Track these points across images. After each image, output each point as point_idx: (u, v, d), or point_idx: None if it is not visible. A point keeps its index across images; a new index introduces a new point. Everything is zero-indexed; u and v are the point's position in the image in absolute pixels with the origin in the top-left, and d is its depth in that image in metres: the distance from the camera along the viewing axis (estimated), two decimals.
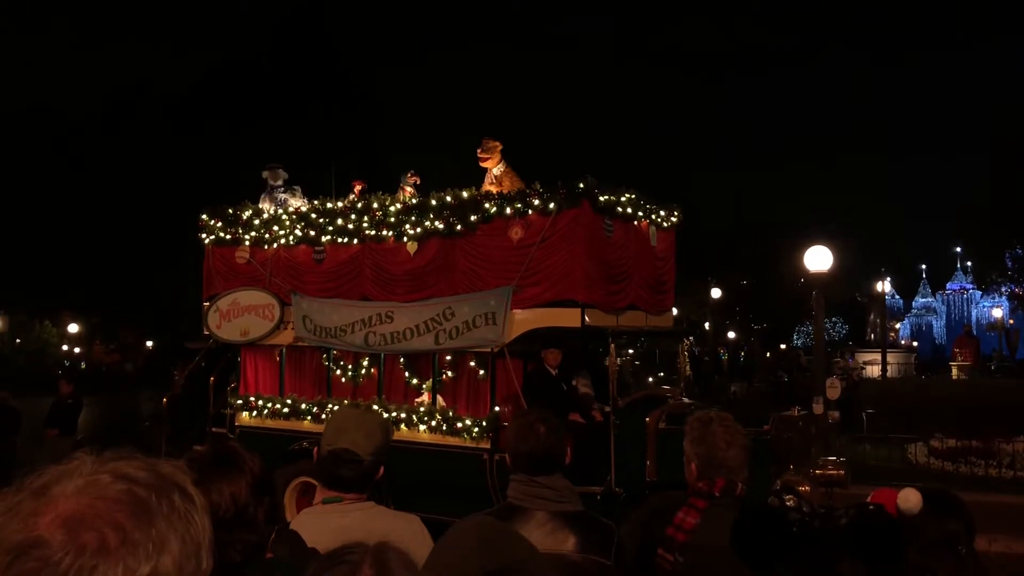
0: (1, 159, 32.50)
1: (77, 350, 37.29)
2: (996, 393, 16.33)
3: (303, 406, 8.68)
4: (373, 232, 8.39)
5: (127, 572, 0.82)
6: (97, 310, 35.31)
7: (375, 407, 7.65)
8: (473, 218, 7.80)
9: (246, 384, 9.30)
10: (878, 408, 14.46)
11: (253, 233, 9.24)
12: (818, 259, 12.27)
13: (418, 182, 9.04)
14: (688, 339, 10.14)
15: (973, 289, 55.54)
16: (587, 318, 7.34)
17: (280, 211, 9.18)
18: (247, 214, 9.35)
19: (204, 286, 9.66)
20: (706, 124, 73.95)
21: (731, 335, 39.57)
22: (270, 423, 8.85)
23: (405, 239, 8.19)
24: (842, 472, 7.02)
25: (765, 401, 18.58)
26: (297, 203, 9.28)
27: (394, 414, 7.95)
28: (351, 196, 9.20)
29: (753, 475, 2.78)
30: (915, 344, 47.92)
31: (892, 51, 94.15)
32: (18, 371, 26.85)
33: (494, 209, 7.71)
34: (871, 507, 2.24)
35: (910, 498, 2.23)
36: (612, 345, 7.39)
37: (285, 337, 8.94)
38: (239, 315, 9.16)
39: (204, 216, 9.63)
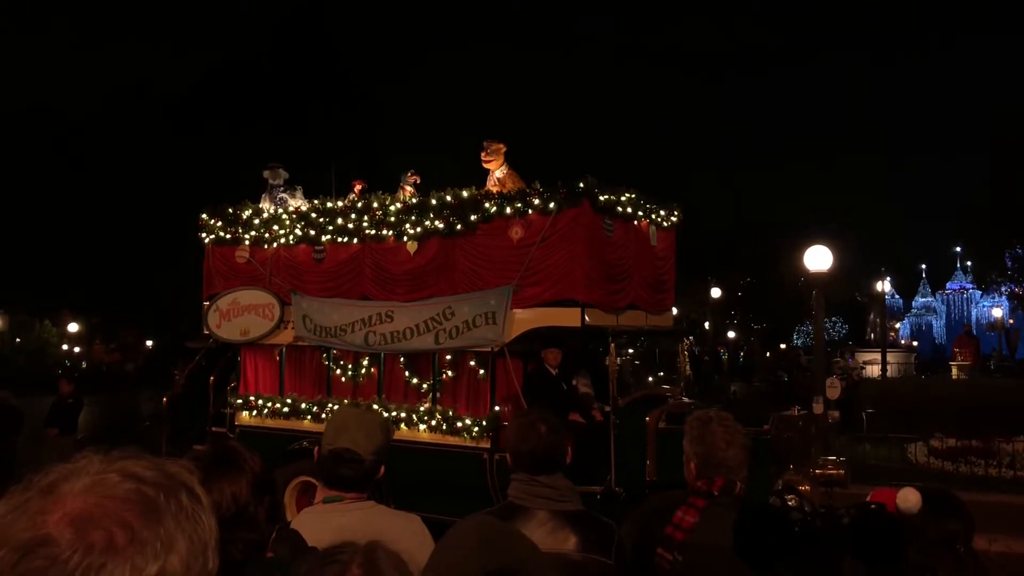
0: (1, 159, 32.51)
1: (77, 350, 37.26)
2: (996, 393, 16.32)
3: (303, 406, 8.68)
4: (373, 232, 8.38)
5: (135, 571, 0.83)
6: (97, 310, 35.30)
7: (375, 407, 7.66)
8: (473, 217, 7.80)
9: (246, 383, 9.29)
10: (878, 408, 14.47)
11: (253, 233, 9.24)
12: (818, 259, 12.27)
13: (418, 181, 9.04)
14: (688, 339, 10.13)
15: (973, 289, 55.49)
16: (587, 318, 7.33)
17: (280, 211, 9.18)
18: (247, 214, 9.34)
19: (204, 286, 9.65)
20: (706, 124, 74.00)
21: (731, 335, 39.55)
22: (270, 422, 8.85)
23: (405, 239, 8.18)
24: (842, 472, 7.03)
25: (765, 401, 18.51)
26: (297, 203, 9.28)
27: (394, 414, 7.96)
28: (351, 196, 9.20)
29: (753, 475, 2.78)
30: (915, 344, 47.87)
31: (892, 51, 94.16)
32: (18, 370, 26.81)
33: (494, 209, 7.70)
34: (873, 506, 2.24)
35: (909, 498, 2.23)
36: (612, 345, 7.39)
37: (285, 337, 8.94)
38: (239, 315, 9.16)
39: (204, 216, 9.63)
